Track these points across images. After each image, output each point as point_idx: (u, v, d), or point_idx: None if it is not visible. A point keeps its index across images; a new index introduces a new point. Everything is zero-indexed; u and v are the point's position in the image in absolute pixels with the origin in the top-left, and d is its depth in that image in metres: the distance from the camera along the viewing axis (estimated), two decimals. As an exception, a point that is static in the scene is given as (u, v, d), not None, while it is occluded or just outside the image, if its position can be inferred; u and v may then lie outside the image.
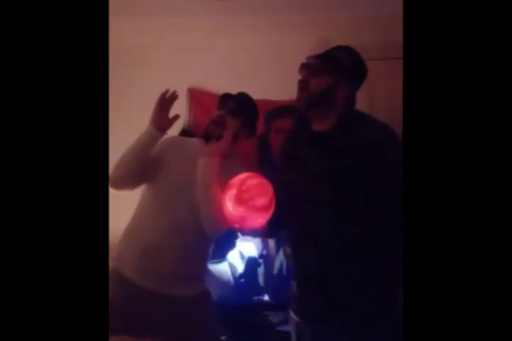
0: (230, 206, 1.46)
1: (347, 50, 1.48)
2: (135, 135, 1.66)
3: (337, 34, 2.36)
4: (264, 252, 2.31)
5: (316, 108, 1.44)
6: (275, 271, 2.27)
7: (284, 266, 2.21)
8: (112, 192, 1.54)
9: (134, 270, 1.61)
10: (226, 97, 1.75)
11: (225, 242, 2.20)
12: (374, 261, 1.34)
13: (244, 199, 1.43)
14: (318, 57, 1.46)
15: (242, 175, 1.51)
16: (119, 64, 2.44)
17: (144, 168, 1.64)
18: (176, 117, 1.64)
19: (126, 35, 2.59)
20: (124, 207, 1.69)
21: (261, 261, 2.31)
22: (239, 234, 1.49)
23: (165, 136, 1.69)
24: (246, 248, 2.33)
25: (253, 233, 1.42)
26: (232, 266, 2.29)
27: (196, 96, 2.38)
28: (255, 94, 2.66)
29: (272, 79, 2.56)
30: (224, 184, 1.56)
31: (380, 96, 2.60)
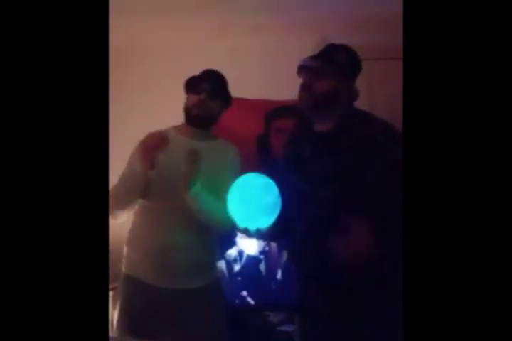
0: None
1: (344, 50, 1.48)
2: (135, 135, 1.65)
3: (337, 34, 2.36)
4: (267, 248, 2.31)
5: (319, 109, 1.44)
6: (277, 270, 2.27)
7: (285, 265, 2.21)
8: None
9: (149, 273, 1.66)
10: (197, 81, 1.74)
11: (223, 241, 2.20)
12: (375, 261, 1.34)
13: None
14: (318, 58, 1.45)
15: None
16: (119, 64, 2.44)
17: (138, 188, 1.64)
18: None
19: (126, 35, 2.59)
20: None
21: (262, 257, 2.31)
22: (239, 233, 1.47)
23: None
24: (247, 245, 2.33)
25: (258, 235, 1.40)
26: (228, 264, 2.29)
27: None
28: (255, 94, 2.67)
29: (272, 79, 2.56)
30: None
31: (380, 96, 2.60)
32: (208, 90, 1.70)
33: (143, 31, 2.71)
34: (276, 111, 2.71)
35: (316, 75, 1.42)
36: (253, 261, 2.31)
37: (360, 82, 1.49)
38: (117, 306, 1.72)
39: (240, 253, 2.31)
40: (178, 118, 1.77)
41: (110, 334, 1.87)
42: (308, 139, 1.49)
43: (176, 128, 1.79)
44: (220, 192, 1.58)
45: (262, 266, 2.32)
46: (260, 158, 2.62)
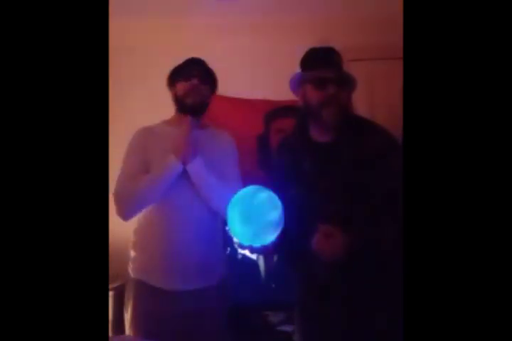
0: None
1: (336, 54, 1.44)
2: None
3: (337, 34, 2.36)
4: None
5: (318, 119, 1.40)
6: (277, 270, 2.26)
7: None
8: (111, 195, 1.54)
9: (159, 277, 1.60)
10: (184, 68, 1.71)
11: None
12: (377, 266, 1.34)
13: None
14: (319, 67, 1.40)
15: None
16: (119, 64, 2.44)
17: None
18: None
19: (126, 35, 2.59)
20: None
21: (261, 257, 2.30)
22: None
23: (137, 131, 1.69)
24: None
25: (263, 251, 1.37)
26: (228, 264, 2.28)
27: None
28: (255, 94, 2.67)
29: (272, 79, 2.56)
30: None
31: (380, 96, 2.60)
32: (198, 75, 1.66)
33: (143, 31, 2.71)
34: (276, 111, 2.71)
35: (319, 86, 1.38)
36: (253, 260, 2.31)
37: (360, 82, 1.48)
38: (128, 310, 1.66)
39: (240, 253, 2.31)
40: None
41: (110, 334, 1.87)
42: (308, 150, 1.44)
43: (166, 121, 1.75)
44: (222, 178, 1.58)
45: (262, 266, 2.32)
46: (260, 158, 2.62)
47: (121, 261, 1.74)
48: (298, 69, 1.47)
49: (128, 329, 1.66)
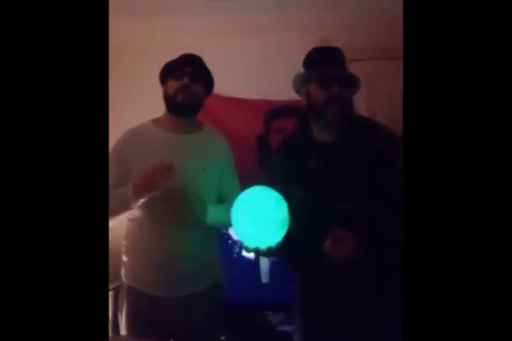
0: None
1: (341, 53, 1.43)
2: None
3: (337, 34, 2.36)
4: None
5: (322, 118, 1.39)
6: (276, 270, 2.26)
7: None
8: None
9: (150, 285, 1.58)
10: (177, 65, 1.61)
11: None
12: (378, 266, 1.34)
13: None
14: (326, 69, 1.39)
15: None
16: (119, 64, 2.44)
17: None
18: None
19: (126, 35, 2.59)
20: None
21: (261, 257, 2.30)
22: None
23: (122, 135, 1.63)
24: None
25: (269, 253, 1.31)
26: (228, 264, 2.28)
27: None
28: (255, 94, 2.67)
29: (272, 79, 2.57)
30: None
31: (380, 96, 2.60)
32: (190, 73, 1.56)
33: (143, 31, 2.71)
34: (276, 111, 2.71)
35: (323, 86, 1.37)
36: (252, 260, 2.31)
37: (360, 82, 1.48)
38: (122, 313, 1.66)
39: (239, 252, 2.31)
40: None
41: (110, 334, 1.87)
42: (312, 150, 1.43)
43: (155, 121, 1.66)
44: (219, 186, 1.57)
45: (262, 266, 2.32)
46: (260, 158, 2.62)
47: (121, 271, 1.71)
48: (299, 69, 1.47)
49: (123, 330, 1.67)
